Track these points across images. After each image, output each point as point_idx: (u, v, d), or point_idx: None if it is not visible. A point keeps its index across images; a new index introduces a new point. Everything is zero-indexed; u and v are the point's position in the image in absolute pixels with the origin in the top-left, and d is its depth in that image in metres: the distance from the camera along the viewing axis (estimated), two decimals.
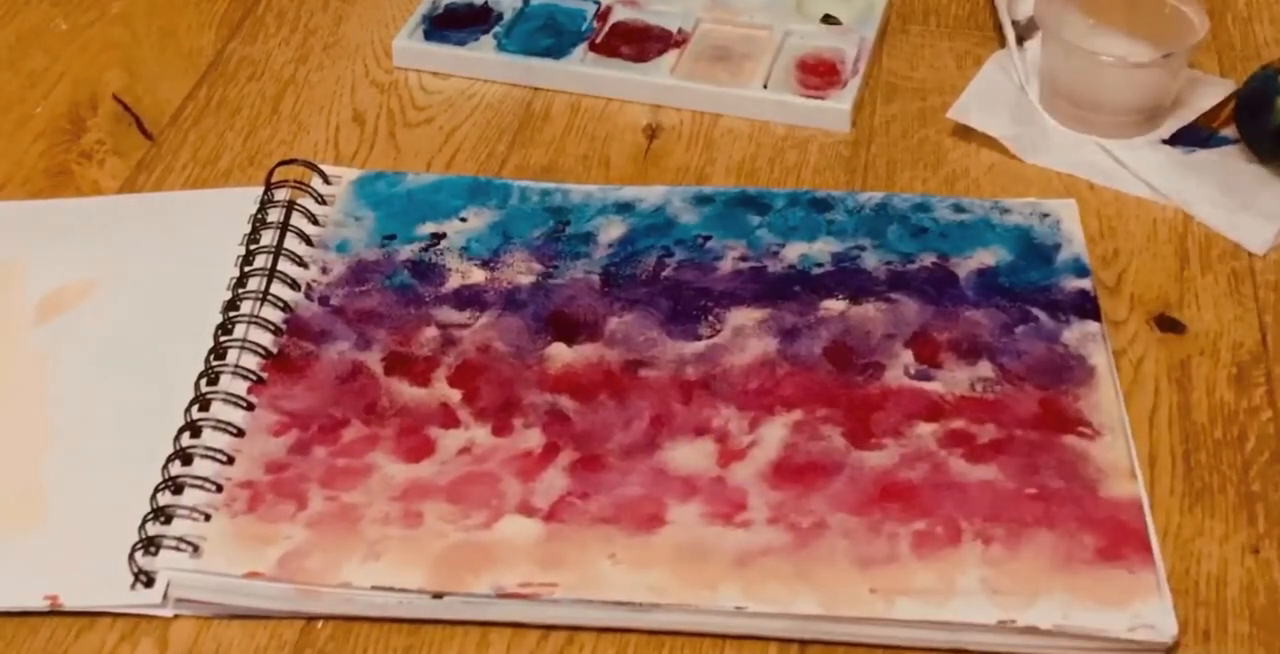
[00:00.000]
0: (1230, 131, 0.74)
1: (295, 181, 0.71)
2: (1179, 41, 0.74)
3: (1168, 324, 0.66)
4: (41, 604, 0.55)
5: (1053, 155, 0.74)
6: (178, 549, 0.56)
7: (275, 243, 0.68)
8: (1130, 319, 0.66)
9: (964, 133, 0.76)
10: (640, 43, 0.81)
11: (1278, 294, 0.67)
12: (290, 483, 0.58)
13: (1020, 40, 0.80)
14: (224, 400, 0.61)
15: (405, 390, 0.62)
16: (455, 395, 0.62)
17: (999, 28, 0.81)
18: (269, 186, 0.71)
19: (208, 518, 0.57)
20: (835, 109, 0.76)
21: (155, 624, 0.55)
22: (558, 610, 0.55)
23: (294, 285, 0.66)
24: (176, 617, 0.55)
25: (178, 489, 0.58)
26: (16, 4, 0.86)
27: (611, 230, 0.70)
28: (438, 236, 0.70)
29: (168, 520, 0.57)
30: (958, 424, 0.60)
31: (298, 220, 0.69)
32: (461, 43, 0.81)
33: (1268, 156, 0.72)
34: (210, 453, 0.59)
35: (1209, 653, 0.54)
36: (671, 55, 0.80)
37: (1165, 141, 0.75)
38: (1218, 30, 0.81)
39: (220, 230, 0.69)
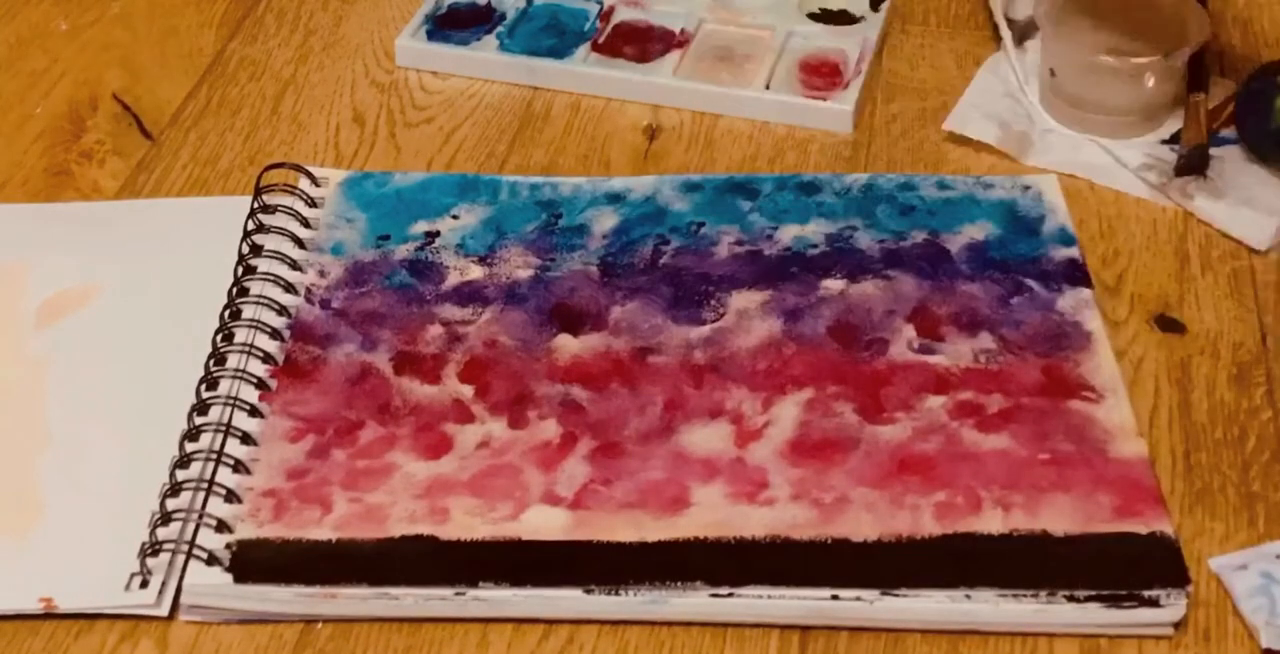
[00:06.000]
0: (1230, 131, 0.74)
1: (284, 185, 0.71)
2: (1179, 41, 0.74)
3: (1168, 324, 0.66)
4: (36, 607, 0.55)
5: (1052, 155, 0.75)
6: (207, 563, 0.56)
7: (269, 248, 0.68)
8: (1130, 319, 0.67)
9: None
10: (643, 43, 0.81)
11: (1278, 294, 0.68)
12: (313, 488, 0.59)
13: (1020, 40, 0.81)
14: (237, 408, 0.61)
15: (416, 389, 0.63)
16: (467, 391, 0.62)
17: (998, 28, 0.82)
18: (258, 191, 0.71)
19: (231, 530, 0.57)
20: (837, 110, 0.77)
21: (155, 625, 0.56)
22: (575, 604, 0.55)
23: (292, 290, 0.67)
24: (174, 617, 0.56)
25: (178, 494, 0.58)
26: (16, 4, 0.86)
27: (604, 221, 0.71)
28: (432, 235, 0.70)
29: (180, 527, 0.57)
30: (966, 395, 0.61)
31: (289, 224, 0.70)
32: (464, 43, 0.81)
33: (1268, 157, 0.73)
34: (228, 462, 0.59)
35: (1209, 653, 0.55)
36: (674, 55, 0.80)
37: (1165, 142, 0.75)
38: (1218, 30, 0.81)
39: (222, 236, 0.69)
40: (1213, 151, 0.73)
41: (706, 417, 0.61)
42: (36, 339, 0.65)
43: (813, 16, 0.83)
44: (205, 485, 0.58)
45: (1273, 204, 0.71)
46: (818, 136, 0.77)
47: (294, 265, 0.68)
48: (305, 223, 0.70)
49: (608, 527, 0.57)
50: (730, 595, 0.55)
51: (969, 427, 0.60)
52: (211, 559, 0.56)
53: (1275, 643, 0.54)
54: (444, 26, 0.82)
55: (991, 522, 0.56)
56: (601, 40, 0.81)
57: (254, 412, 0.61)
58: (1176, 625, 0.55)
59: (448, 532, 0.57)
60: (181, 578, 0.56)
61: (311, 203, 0.71)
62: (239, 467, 0.59)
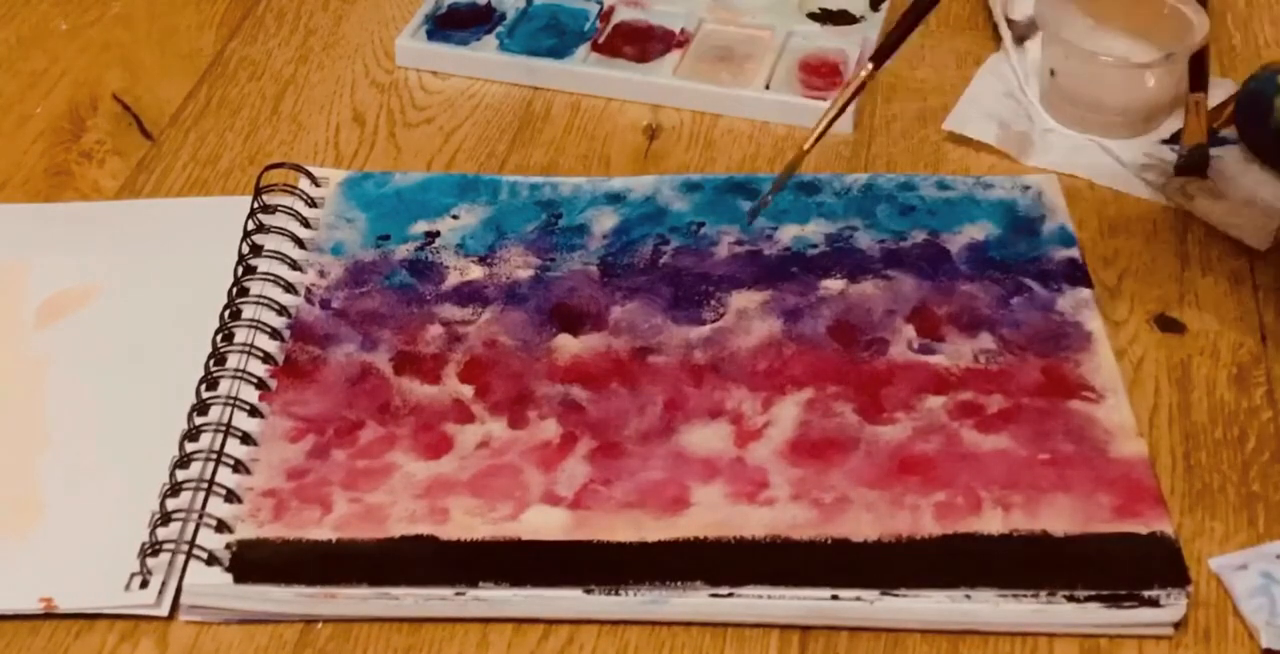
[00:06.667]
0: (1230, 131, 0.74)
1: (284, 185, 0.71)
2: (1179, 41, 0.74)
3: (1168, 324, 0.66)
4: (36, 607, 0.55)
5: (1053, 155, 0.75)
6: (207, 563, 0.56)
7: (269, 248, 0.68)
8: (1130, 319, 0.67)
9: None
10: (643, 43, 0.81)
11: (1278, 294, 0.68)
12: (313, 487, 0.59)
13: (1020, 40, 0.81)
14: (237, 408, 0.61)
15: (416, 389, 0.63)
16: (467, 391, 0.62)
17: (998, 28, 0.82)
18: (258, 191, 0.71)
19: (231, 530, 0.57)
20: None
21: (155, 625, 0.56)
22: (575, 604, 0.55)
23: (292, 290, 0.67)
24: (174, 617, 0.56)
25: (178, 494, 0.58)
26: (16, 4, 0.86)
27: (604, 221, 0.71)
28: (432, 235, 0.70)
29: (180, 527, 0.57)
30: (966, 395, 0.61)
31: (289, 224, 0.70)
32: (464, 43, 0.81)
33: (1268, 156, 0.73)
34: (228, 462, 0.59)
35: (1209, 653, 0.55)
36: (674, 55, 0.80)
37: (1165, 142, 0.75)
38: (1218, 30, 0.81)
39: (222, 236, 0.69)
40: (1213, 151, 0.73)
41: (706, 417, 0.61)
42: (36, 339, 0.65)
43: (813, 16, 0.83)
44: (205, 485, 0.58)
45: (1273, 204, 0.71)
46: None
47: (294, 265, 0.68)
48: (305, 223, 0.70)
49: (608, 527, 0.57)
50: (730, 595, 0.55)
51: (969, 427, 0.60)
52: (211, 559, 0.56)
53: (1275, 643, 0.54)
54: (444, 26, 0.82)
55: (991, 522, 0.56)
56: (601, 40, 0.81)
57: (254, 412, 0.61)
58: (1176, 625, 0.55)
59: (448, 532, 0.57)
60: (181, 578, 0.56)
61: (311, 203, 0.71)
62: (239, 467, 0.59)
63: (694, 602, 0.55)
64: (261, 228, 0.69)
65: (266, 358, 0.63)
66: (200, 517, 0.57)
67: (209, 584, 0.56)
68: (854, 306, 0.66)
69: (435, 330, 0.65)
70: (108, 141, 0.77)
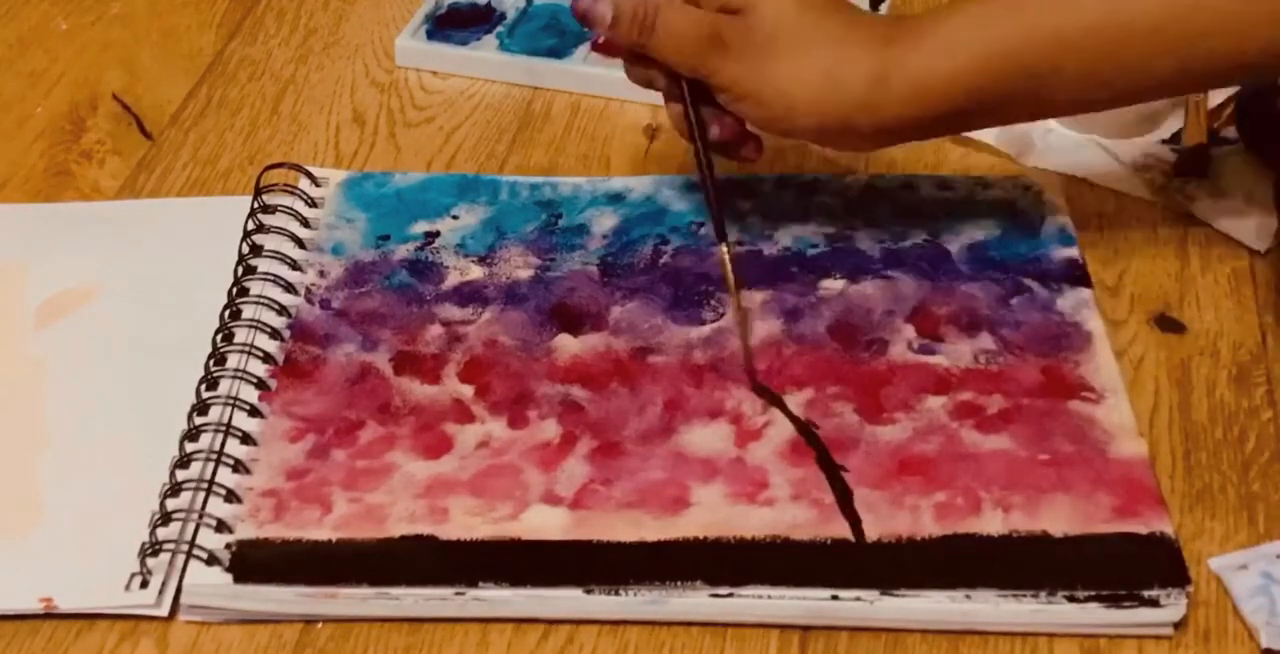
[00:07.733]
0: (1230, 131, 0.74)
1: (284, 185, 0.71)
2: None
3: (1168, 324, 0.66)
4: (36, 607, 0.56)
5: (1052, 156, 0.75)
6: (207, 563, 0.56)
7: (269, 248, 0.68)
8: (1130, 319, 0.67)
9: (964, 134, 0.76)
10: None
11: (1278, 294, 0.68)
12: (313, 487, 0.59)
13: None
14: (237, 408, 0.61)
15: (416, 388, 0.63)
16: (467, 391, 0.62)
17: None
18: (258, 191, 0.71)
19: (231, 530, 0.57)
20: None
21: (155, 624, 0.56)
22: (575, 604, 0.55)
23: (292, 290, 0.67)
24: (174, 617, 0.56)
25: (178, 494, 0.58)
26: (16, 4, 0.86)
27: (604, 221, 0.71)
28: (431, 235, 0.70)
29: (180, 527, 0.57)
30: (965, 396, 0.61)
31: (289, 224, 0.70)
32: (464, 42, 0.82)
33: (1268, 157, 0.73)
34: (228, 462, 0.59)
35: (1209, 653, 0.55)
36: None
37: (1165, 142, 0.75)
38: None
39: (222, 236, 0.69)
40: (1213, 151, 0.73)
41: (706, 417, 0.61)
42: (36, 339, 0.66)
43: None
44: (205, 485, 0.58)
45: (1272, 204, 0.71)
46: None
47: (294, 265, 0.68)
48: (305, 223, 0.70)
49: (608, 527, 0.57)
50: (730, 595, 0.55)
51: (969, 427, 0.60)
52: (211, 559, 0.56)
53: (1275, 643, 0.54)
54: (444, 26, 0.83)
55: (991, 522, 0.56)
56: (601, 40, 0.81)
57: (254, 412, 0.61)
58: (1176, 625, 0.55)
59: (448, 531, 0.57)
60: (181, 578, 0.56)
61: (311, 203, 0.71)
62: (239, 467, 0.59)
63: (694, 602, 0.55)
64: (261, 228, 0.69)
65: (266, 358, 0.64)
66: (200, 517, 0.57)
67: (209, 584, 0.56)
68: (854, 307, 0.65)
69: (435, 330, 0.65)
70: (108, 141, 0.77)
